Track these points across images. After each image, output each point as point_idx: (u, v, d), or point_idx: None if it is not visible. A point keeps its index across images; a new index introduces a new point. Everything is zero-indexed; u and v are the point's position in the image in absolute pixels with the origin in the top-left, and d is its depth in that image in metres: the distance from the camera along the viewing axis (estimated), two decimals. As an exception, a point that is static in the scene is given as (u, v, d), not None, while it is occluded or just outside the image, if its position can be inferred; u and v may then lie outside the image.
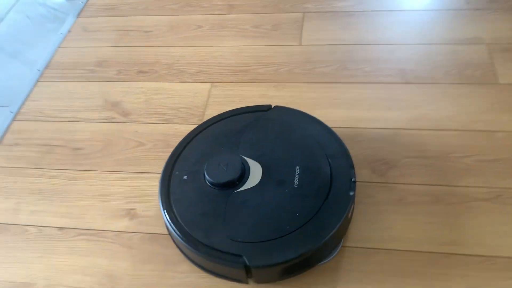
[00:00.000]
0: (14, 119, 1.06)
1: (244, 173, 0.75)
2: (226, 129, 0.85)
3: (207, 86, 1.06)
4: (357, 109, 0.96)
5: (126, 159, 0.94)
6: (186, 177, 0.78)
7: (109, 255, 0.80)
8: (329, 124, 0.92)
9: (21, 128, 1.03)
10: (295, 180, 0.74)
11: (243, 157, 0.78)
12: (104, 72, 1.13)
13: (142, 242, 0.81)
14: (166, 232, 0.81)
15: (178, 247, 0.77)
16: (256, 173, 0.76)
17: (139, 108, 1.03)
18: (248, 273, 0.69)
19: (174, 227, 0.72)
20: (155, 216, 0.84)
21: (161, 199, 0.77)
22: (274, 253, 0.67)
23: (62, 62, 1.18)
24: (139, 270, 0.77)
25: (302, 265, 0.70)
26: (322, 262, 0.72)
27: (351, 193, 0.71)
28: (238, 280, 0.72)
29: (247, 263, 0.66)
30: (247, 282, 0.72)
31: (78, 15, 1.30)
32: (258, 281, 0.72)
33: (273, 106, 0.87)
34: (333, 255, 0.73)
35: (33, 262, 0.80)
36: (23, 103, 1.09)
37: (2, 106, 1.09)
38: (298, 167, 0.75)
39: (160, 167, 0.91)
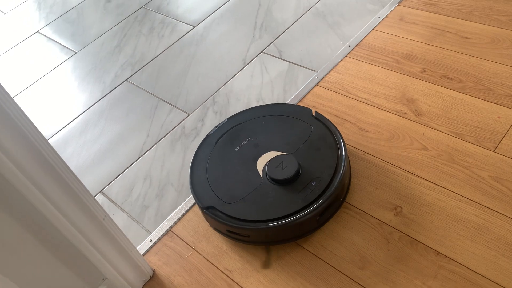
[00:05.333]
0: (317, 84, 1.19)
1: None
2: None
3: (514, 114, 0.99)
4: None
5: (406, 157, 0.97)
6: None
7: (367, 237, 0.86)
8: None
9: (321, 94, 1.16)
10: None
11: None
12: (409, 66, 1.16)
13: (400, 241, 0.84)
14: (425, 242, 0.83)
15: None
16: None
17: (433, 113, 1.04)
18: None
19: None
20: (418, 222, 0.86)
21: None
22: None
23: (372, 45, 1.25)
24: (390, 265, 0.82)
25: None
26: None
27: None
28: None
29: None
30: None
31: (399, 3, 1.35)
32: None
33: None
34: None
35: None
36: (328, 72, 1.21)
37: (311, 70, 1.24)
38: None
39: (436, 177, 0.92)
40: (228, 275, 0.87)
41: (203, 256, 0.91)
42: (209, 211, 0.89)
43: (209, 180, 0.94)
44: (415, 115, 1.05)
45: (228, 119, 1.05)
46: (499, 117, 0.99)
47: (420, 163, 0.95)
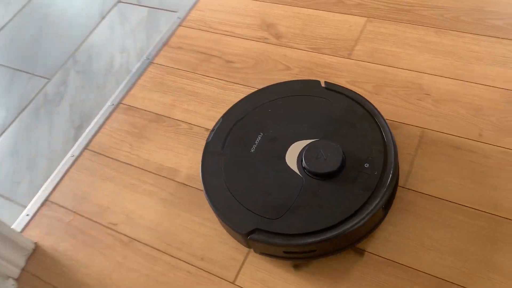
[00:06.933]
0: (180, 25, 1.16)
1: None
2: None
3: (362, 20, 1.04)
4: (524, 71, 0.87)
5: (272, 79, 0.99)
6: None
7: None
8: (489, 82, 0.87)
9: (185, 34, 1.14)
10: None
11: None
12: (265, -8, 1.17)
13: (274, 157, 0.87)
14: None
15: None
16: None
17: (292, 33, 1.06)
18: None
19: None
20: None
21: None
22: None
23: (229, -23, 1.24)
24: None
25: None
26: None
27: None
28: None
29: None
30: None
31: None
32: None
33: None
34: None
35: (181, 152, 0.92)
36: (189, 11, 1.18)
37: (172, 11, 1.21)
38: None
39: (303, 92, 0.94)
40: (114, 228, 0.85)
41: (85, 217, 0.88)
42: (255, 236, 0.70)
43: (237, 198, 0.74)
44: (276, 38, 1.06)
45: (223, 117, 0.85)
46: (350, 26, 1.03)
47: (285, 82, 0.98)
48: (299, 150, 0.76)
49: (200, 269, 0.77)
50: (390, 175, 0.70)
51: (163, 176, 0.89)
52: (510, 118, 0.82)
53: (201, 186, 0.85)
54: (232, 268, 0.76)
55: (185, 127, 0.95)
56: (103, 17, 1.24)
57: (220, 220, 0.75)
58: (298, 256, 0.73)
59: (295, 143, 0.77)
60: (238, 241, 0.76)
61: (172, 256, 0.79)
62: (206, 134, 0.93)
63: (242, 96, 0.97)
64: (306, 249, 0.70)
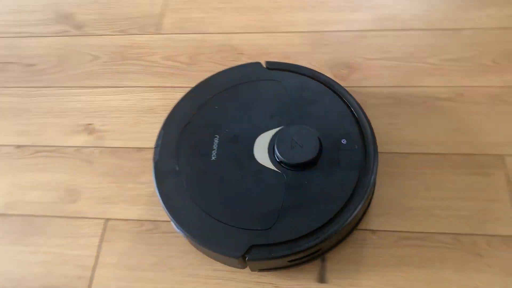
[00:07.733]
0: (-39, 37, 1.00)
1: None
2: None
3: (164, -7, 0.99)
4: (321, 11, 0.91)
5: (81, 73, 0.90)
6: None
7: (70, 170, 0.79)
8: (293, 28, 0.89)
9: (-31, 46, 0.98)
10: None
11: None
12: (53, -19, 1.05)
13: (101, 156, 0.80)
14: (125, 145, 0.80)
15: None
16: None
17: (93, 20, 0.97)
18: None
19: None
20: (112, 130, 0.82)
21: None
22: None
23: (8, -27, 1.09)
24: (100, 183, 0.77)
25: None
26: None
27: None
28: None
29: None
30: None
31: None
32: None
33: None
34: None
35: (-7, 180, 0.79)
36: (-31, 19, 1.02)
37: None
38: None
39: (116, 80, 0.88)
40: None
41: None
42: (254, 254, 0.59)
43: (217, 217, 0.62)
44: (76, 29, 0.97)
45: (164, 127, 0.70)
46: (151, 1, 0.98)
47: (97, 74, 0.89)
48: (268, 143, 0.66)
49: (44, 301, 0.68)
50: (372, 144, 0.65)
51: (-22, 213, 0.77)
52: (318, 57, 0.85)
53: (24, 211, 0.76)
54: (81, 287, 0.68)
55: (-9, 150, 0.83)
56: None
57: (205, 249, 0.63)
58: (301, 262, 0.64)
59: (260, 137, 0.67)
60: (232, 265, 0.65)
61: (8, 298, 0.69)
62: (17, 152, 0.82)
63: (48, 100, 0.88)
64: (314, 250, 0.61)
